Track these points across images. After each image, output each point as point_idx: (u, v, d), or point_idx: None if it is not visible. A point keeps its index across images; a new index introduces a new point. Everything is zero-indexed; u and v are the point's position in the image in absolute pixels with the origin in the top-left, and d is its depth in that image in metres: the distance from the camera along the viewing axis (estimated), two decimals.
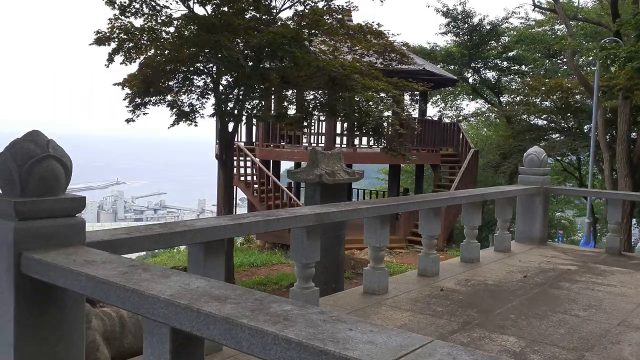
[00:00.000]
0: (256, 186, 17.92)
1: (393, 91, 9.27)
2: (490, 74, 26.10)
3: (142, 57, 11.25)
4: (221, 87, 10.52)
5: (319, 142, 19.57)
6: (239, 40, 10.00)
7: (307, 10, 10.14)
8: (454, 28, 23.40)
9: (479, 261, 6.53)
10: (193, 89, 10.17)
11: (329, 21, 10.26)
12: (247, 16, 10.29)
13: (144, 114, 10.14)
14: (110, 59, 10.84)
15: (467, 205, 6.37)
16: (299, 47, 9.17)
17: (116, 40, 10.88)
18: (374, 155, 18.71)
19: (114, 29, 10.88)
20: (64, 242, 2.71)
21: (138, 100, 10.11)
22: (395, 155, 10.19)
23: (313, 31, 10.04)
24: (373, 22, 11.94)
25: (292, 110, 12.21)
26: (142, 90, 9.91)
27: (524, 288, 5.44)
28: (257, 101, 9.83)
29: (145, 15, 10.71)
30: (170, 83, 10.60)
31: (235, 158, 18.22)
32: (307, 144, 19.68)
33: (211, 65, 10.10)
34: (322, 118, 17.52)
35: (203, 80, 10.05)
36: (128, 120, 10.17)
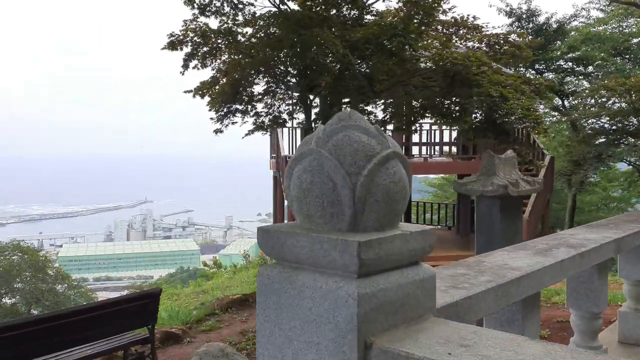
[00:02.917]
0: None
1: (523, 87, 7.98)
2: (551, 76, 24.54)
3: (215, 62, 10.22)
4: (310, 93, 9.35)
5: None
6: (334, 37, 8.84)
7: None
8: (518, 28, 22.00)
9: None
10: (289, 93, 9.03)
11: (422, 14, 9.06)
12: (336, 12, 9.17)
13: (232, 123, 9.01)
14: (185, 65, 9.79)
15: None
16: (413, 40, 7.96)
17: (190, 44, 9.83)
18: (446, 165, 17.44)
19: (188, 32, 9.84)
20: (413, 313, 1.46)
21: (224, 109, 8.98)
22: (522, 161, 8.87)
23: (409, 24, 8.81)
24: (468, 15, 10.72)
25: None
26: (230, 96, 8.78)
27: None
28: (359, 105, 8.63)
29: (225, 15, 9.65)
30: (255, 89, 9.49)
31: None
32: None
33: (302, 67, 8.94)
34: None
35: (296, 85, 8.89)
36: (216, 131, 9.06)
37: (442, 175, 30.12)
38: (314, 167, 1.40)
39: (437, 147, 17.86)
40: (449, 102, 8.48)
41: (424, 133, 18.02)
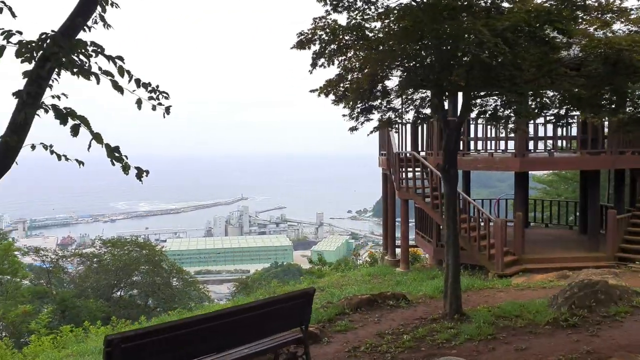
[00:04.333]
0: (437, 200, 16.10)
1: None
2: None
3: (341, 60, 10.09)
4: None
5: (496, 147, 17.29)
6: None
7: None
8: None
9: None
10: (424, 87, 8.73)
11: None
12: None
13: (366, 120, 8.84)
14: (314, 64, 9.74)
15: None
16: (569, 26, 7.35)
17: (317, 42, 9.78)
18: (571, 160, 16.34)
19: (317, 30, 9.78)
20: None
21: (360, 105, 8.82)
22: None
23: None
24: None
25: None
26: (367, 92, 8.61)
27: None
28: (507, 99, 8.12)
29: (356, 10, 9.49)
30: (387, 84, 9.25)
31: (402, 169, 16.72)
32: (475, 150, 17.54)
33: (443, 58, 8.56)
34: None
35: (434, 78, 8.55)
36: (352, 129, 8.93)
37: (556, 171, 28.34)
38: None
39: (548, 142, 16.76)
40: (604, 91, 7.75)
41: (540, 127, 16.88)
